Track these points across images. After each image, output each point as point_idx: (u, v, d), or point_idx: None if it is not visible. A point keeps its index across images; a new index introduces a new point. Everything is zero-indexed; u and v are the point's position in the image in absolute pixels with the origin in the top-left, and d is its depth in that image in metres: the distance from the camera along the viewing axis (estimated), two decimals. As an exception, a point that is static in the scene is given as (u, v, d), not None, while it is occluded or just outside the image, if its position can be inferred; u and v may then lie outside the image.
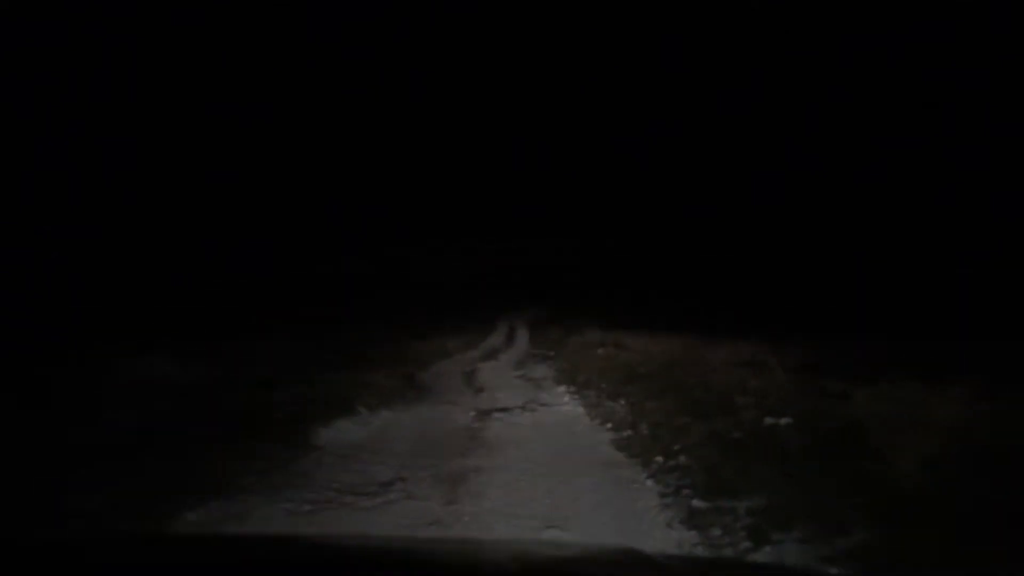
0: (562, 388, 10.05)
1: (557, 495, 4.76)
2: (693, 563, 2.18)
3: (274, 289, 21.57)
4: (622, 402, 8.28)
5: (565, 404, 8.68)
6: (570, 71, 34.82)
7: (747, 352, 9.88)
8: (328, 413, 7.51)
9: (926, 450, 4.21)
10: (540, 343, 16.42)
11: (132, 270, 17.13)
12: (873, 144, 19.15)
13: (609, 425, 7.14)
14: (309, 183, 27.83)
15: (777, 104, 22.15)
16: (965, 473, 3.96)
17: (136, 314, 14.66)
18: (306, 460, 5.95)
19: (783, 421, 5.46)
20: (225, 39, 23.16)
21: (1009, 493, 3.58)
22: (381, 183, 34.26)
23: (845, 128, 20.07)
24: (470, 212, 36.97)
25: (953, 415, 4.89)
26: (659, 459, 5.42)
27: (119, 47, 18.66)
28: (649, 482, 5.01)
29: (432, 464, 5.76)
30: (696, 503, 4.38)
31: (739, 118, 23.80)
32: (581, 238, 34.45)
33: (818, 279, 16.25)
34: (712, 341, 12.10)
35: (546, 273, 30.81)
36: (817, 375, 7.31)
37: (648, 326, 15.80)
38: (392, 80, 34.91)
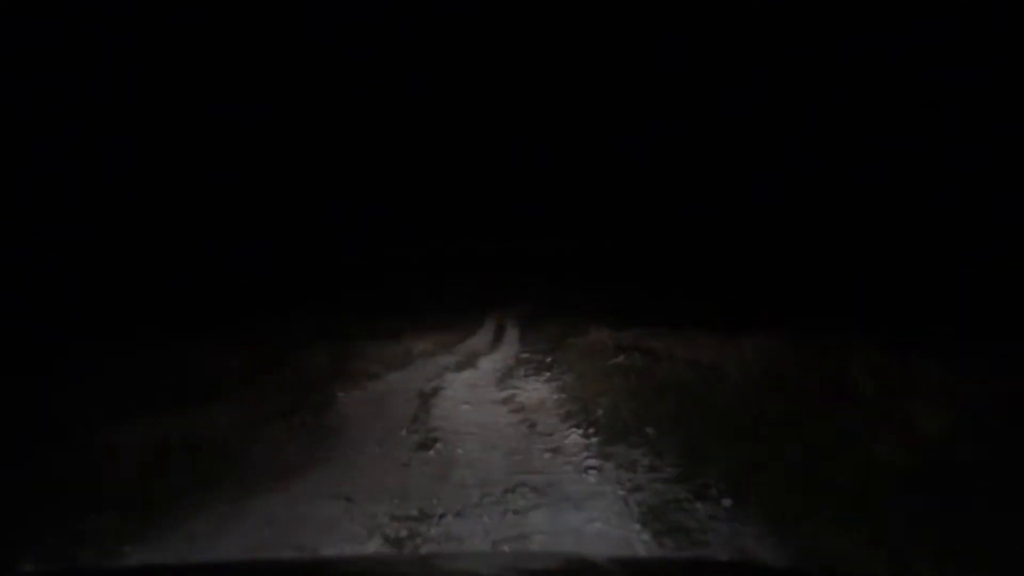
0: (574, 435, 5.62)
1: None
2: (640, 565, 2.04)
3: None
4: (727, 501, 3.66)
5: (593, 497, 4.06)
6: (570, 71, 32.83)
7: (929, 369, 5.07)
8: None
9: None
10: (534, 345, 11.95)
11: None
12: (873, 144, 17.92)
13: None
14: (301, 181, 25.18)
15: (777, 104, 20.16)
16: None
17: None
18: None
19: None
20: (225, 39, 22.29)
21: None
22: (380, 182, 31.76)
23: (844, 128, 18.88)
24: (469, 212, 35.16)
25: None
26: None
27: (119, 47, 17.50)
28: None
29: None
30: None
31: (739, 118, 21.92)
32: (581, 238, 32.62)
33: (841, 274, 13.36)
34: (810, 343, 7.36)
35: (545, 268, 28.69)
36: None
37: (671, 323, 11.00)
38: (392, 80, 32.66)
